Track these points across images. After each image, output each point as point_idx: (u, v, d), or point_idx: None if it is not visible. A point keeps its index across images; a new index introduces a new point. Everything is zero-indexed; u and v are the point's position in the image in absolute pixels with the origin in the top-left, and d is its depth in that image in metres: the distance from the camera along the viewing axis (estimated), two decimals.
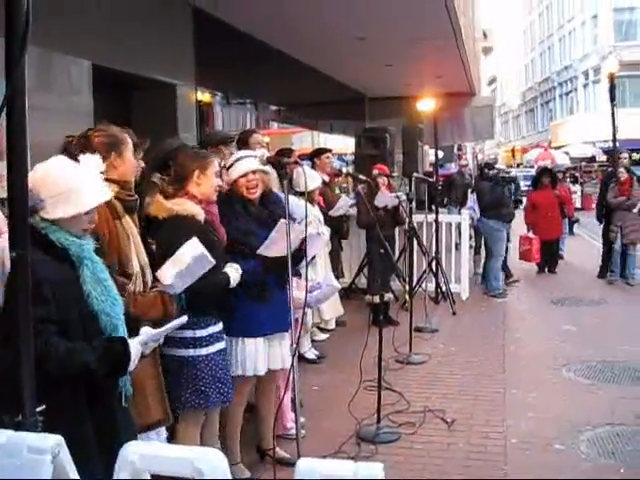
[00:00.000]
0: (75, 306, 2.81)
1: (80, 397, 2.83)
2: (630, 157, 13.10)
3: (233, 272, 4.08)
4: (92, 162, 2.96)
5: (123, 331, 2.98)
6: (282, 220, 4.21)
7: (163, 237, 3.82)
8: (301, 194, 6.13)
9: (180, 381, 3.93)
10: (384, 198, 8.43)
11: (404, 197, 8.91)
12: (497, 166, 14.06)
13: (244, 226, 4.44)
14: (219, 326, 4.11)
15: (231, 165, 4.57)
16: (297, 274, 5.00)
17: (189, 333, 3.91)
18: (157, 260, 3.61)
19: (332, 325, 7.78)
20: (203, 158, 4.12)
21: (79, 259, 2.86)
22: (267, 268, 4.36)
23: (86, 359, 2.77)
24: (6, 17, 1.96)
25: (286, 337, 4.67)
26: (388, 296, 9.02)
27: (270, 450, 4.83)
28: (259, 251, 4.27)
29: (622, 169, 11.89)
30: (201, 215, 3.95)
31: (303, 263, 4.48)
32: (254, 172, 4.54)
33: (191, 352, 3.94)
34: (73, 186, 2.81)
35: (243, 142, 6.28)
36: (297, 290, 4.69)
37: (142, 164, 4.27)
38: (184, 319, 3.21)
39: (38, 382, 2.41)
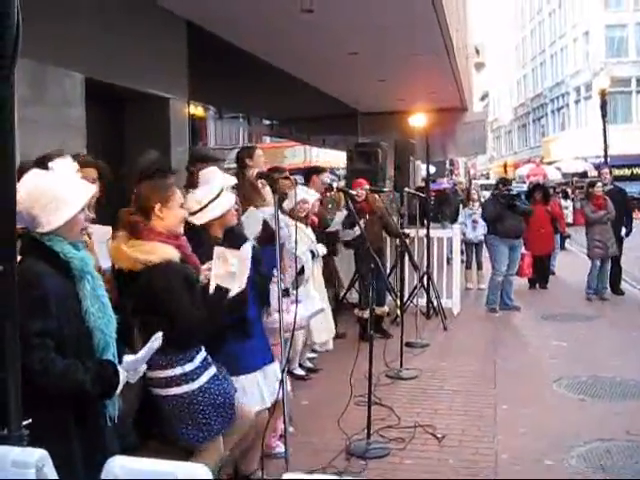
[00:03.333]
0: (73, 321, 2.80)
1: (69, 414, 2.81)
2: (611, 172, 13.13)
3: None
4: (63, 164, 2.94)
5: (114, 350, 2.97)
6: (244, 245, 4.12)
7: (147, 289, 3.63)
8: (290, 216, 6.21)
9: (180, 418, 3.80)
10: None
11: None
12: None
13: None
14: (203, 353, 3.92)
15: (205, 206, 4.38)
16: (286, 295, 5.00)
17: (178, 370, 3.76)
18: (131, 312, 3.50)
19: (330, 345, 7.72)
20: (164, 190, 3.79)
21: (81, 273, 2.85)
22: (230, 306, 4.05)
23: (81, 378, 2.76)
24: None
25: (274, 370, 4.63)
26: (382, 309, 9.03)
27: (252, 474, 4.72)
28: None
29: (599, 184, 11.96)
30: (177, 256, 3.71)
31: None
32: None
33: (185, 388, 3.78)
34: (58, 192, 2.79)
35: (249, 157, 6.31)
36: (285, 313, 4.68)
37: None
38: (158, 339, 3.11)
39: (27, 396, 2.40)
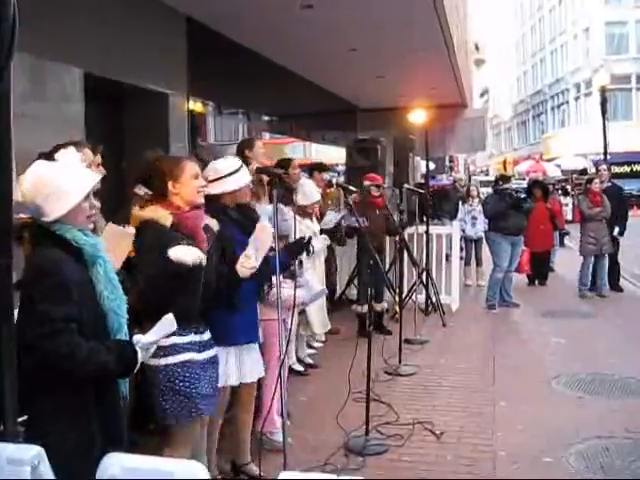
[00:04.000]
0: (89, 305, 2.86)
1: (90, 395, 2.87)
2: (610, 169, 13.10)
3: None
4: (69, 155, 2.97)
5: (126, 331, 3.02)
6: (258, 225, 4.17)
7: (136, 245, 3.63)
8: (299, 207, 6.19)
9: (147, 389, 3.78)
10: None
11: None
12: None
13: (226, 232, 4.29)
14: (187, 337, 3.79)
15: (224, 176, 4.46)
16: (291, 276, 5.00)
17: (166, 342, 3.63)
18: (133, 267, 3.49)
19: (322, 337, 7.74)
20: (174, 165, 3.87)
21: (93, 258, 2.90)
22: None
23: (105, 359, 2.82)
24: None
25: (255, 349, 4.64)
26: (381, 306, 9.04)
27: (245, 466, 4.78)
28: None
29: (597, 180, 11.91)
30: (165, 219, 3.72)
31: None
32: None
33: (152, 362, 3.63)
34: (61, 181, 2.83)
35: (248, 149, 6.29)
36: (287, 289, 4.69)
37: (103, 170, 4.30)
38: (171, 323, 3.10)
39: (49, 382, 2.58)
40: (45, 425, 2.73)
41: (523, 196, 11.26)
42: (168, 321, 3.10)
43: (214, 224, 4.13)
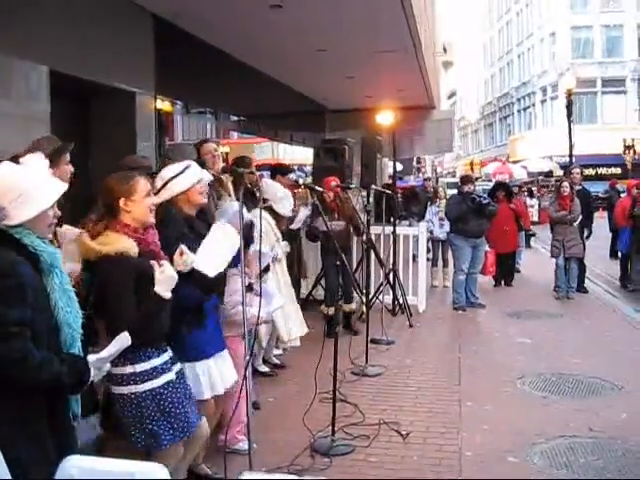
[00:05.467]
0: (43, 315, 2.79)
1: (41, 411, 2.79)
2: (582, 173, 13.24)
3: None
4: (35, 160, 2.93)
5: (79, 346, 2.96)
6: (216, 224, 4.15)
7: (99, 279, 3.58)
8: (269, 210, 6.17)
9: (126, 420, 3.68)
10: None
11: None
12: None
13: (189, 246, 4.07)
14: (163, 357, 3.75)
15: (168, 181, 4.38)
16: (248, 288, 4.97)
17: (128, 369, 3.59)
18: (80, 294, 3.28)
19: (297, 342, 7.66)
20: (126, 182, 3.71)
21: (50, 267, 2.84)
22: (206, 288, 4.12)
23: (58, 370, 2.75)
24: None
25: (223, 356, 4.62)
26: (350, 306, 9.06)
27: (198, 466, 4.69)
28: (196, 265, 3.93)
29: (566, 184, 11.99)
30: (133, 249, 3.60)
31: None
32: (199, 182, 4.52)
33: (133, 389, 3.60)
34: (29, 186, 2.80)
35: (200, 151, 6.28)
36: (249, 307, 4.66)
37: (70, 168, 4.22)
38: (126, 339, 3.09)
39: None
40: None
41: (486, 200, 11.30)
42: (123, 338, 3.07)
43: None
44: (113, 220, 3.67)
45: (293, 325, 7.25)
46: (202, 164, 5.82)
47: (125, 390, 3.63)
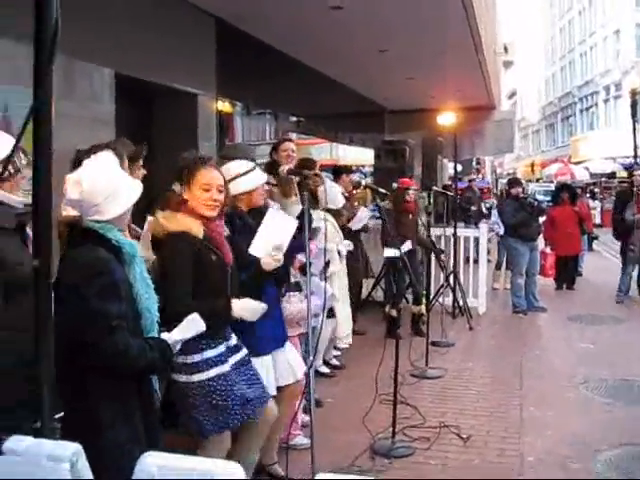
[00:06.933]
0: (129, 304, 2.90)
1: (133, 396, 2.92)
2: None
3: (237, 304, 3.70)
4: (109, 159, 3.01)
5: (157, 329, 3.06)
6: (270, 209, 4.17)
7: (162, 256, 3.65)
8: (327, 210, 6.15)
9: (181, 406, 3.74)
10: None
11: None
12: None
13: (245, 240, 4.16)
14: (219, 349, 3.74)
15: (235, 177, 4.36)
16: (297, 288, 4.98)
17: (180, 359, 3.57)
18: (156, 279, 3.31)
19: (349, 340, 7.66)
20: (185, 167, 3.77)
21: (131, 257, 2.95)
22: (261, 276, 4.11)
23: (152, 356, 2.89)
24: (35, 27, 1.97)
25: (289, 348, 4.63)
26: (418, 308, 9.04)
27: (270, 466, 4.73)
28: (251, 250, 4.02)
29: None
30: (197, 230, 3.63)
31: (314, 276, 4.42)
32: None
33: (183, 378, 3.66)
34: (120, 184, 2.92)
35: (275, 151, 6.32)
36: (288, 305, 4.67)
37: (143, 171, 4.28)
38: (201, 324, 3.14)
39: (95, 384, 2.69)
40: (98, 421, 2.79)
41: (538, 203, 11.16)
42: (195, 321, 3.13)
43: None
44: (185, 201, 3.71)
45: (344, 321, 7.28)
46: (274, 162, 5.84)
47: (175, 377, 3.68)
